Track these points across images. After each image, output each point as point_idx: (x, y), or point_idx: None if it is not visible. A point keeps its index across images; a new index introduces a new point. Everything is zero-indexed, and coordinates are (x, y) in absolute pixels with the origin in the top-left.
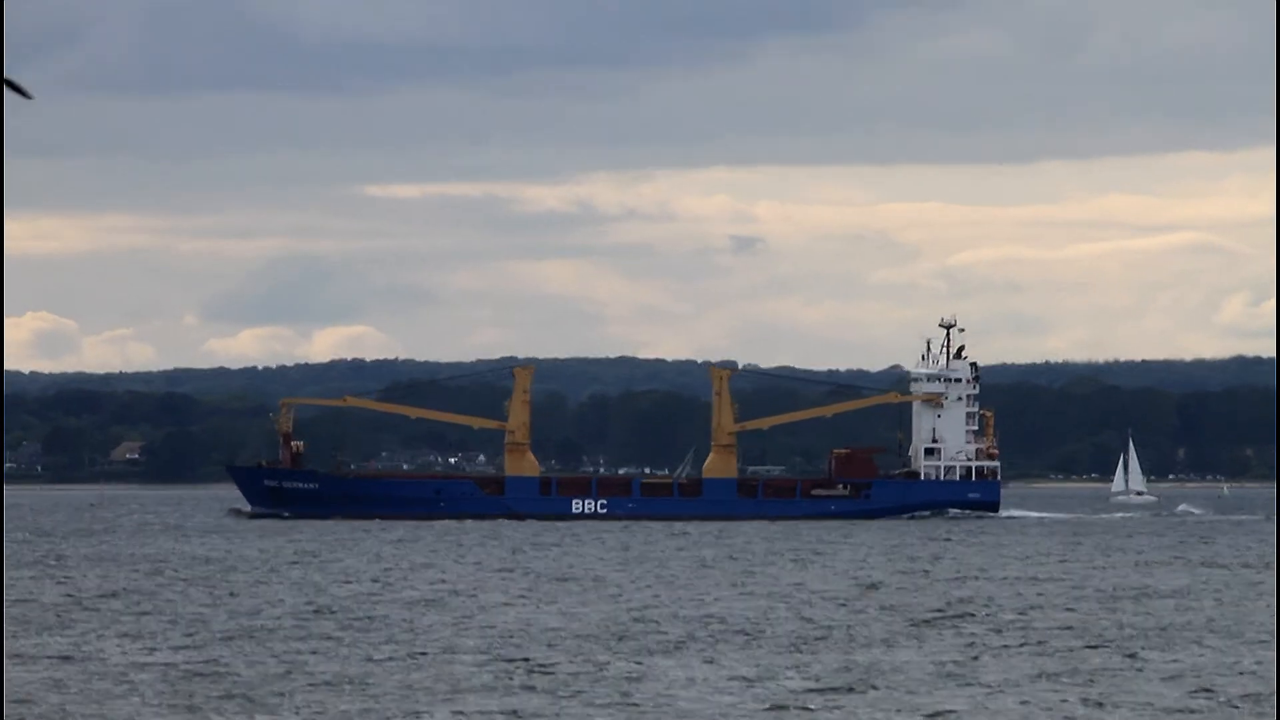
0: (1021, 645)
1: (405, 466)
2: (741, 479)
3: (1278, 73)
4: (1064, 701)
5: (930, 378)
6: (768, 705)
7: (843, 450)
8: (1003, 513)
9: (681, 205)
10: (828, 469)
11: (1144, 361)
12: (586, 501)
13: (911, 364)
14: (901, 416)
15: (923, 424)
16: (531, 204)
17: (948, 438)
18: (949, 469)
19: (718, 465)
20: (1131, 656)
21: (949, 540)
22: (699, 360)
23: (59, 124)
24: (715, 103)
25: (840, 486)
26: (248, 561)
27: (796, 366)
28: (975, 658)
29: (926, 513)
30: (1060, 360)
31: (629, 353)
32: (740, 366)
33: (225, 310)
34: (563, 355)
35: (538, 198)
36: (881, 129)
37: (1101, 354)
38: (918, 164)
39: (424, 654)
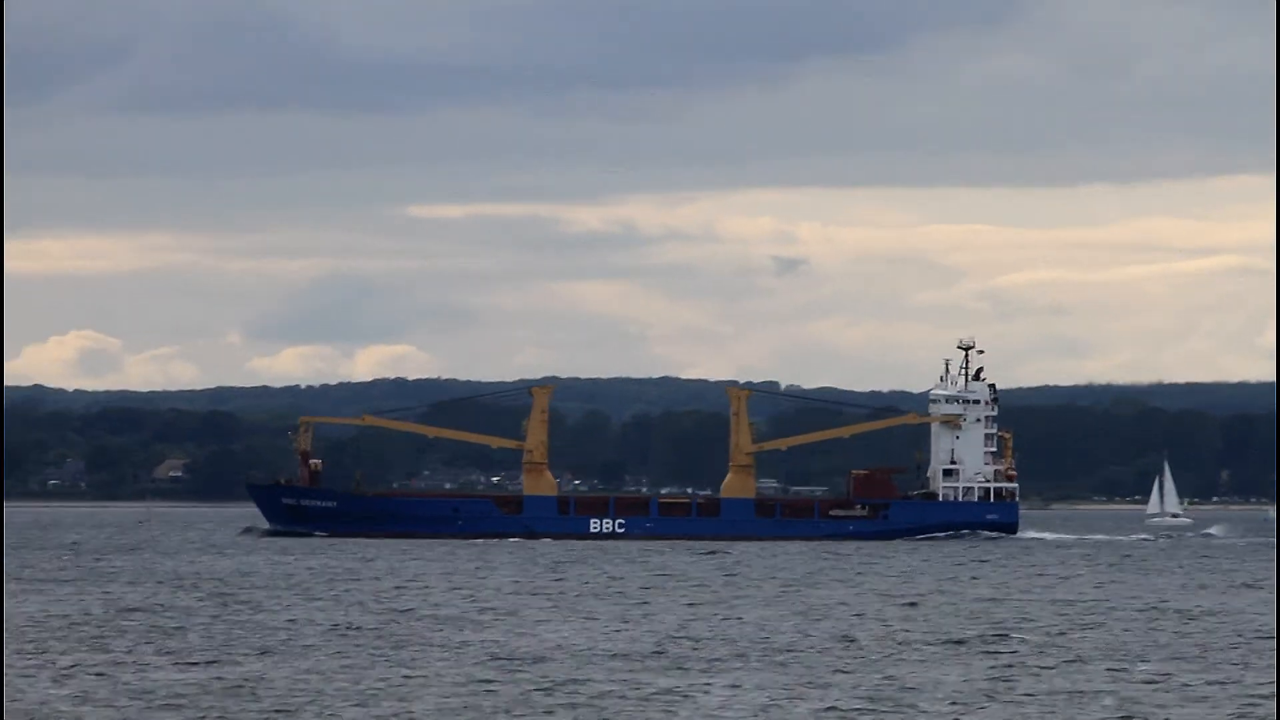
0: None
1: (447, 485)
2: (759, 499)
3: (1278, 86)
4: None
5: (949, 399)
6: None
7: (861, 471)
8: (1021, 534)
9: (724, 226)
10: (846, 490)
11: (1188, 384)
12: (604, 521)
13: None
14: (921, 438)
15: (941, 445)
16: (574, 224)
17: (966, 459)
18: (967, 490)
19: (736, 485)
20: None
21: (961, 564)
22: (740, 381)
23: (104, 143)
24: (758, 124)
25: (859, 507)
26: (272, 579)
27: (839, 387)
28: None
29: (944, 534)
30: (1104, 382)
31: (671, 373)
32: (783, 387)
33: (268, 329)
34: (605, 375)
35: (581, 218)
36: (925, 151)
37: (1145, 376)
38: (961, 186)
39: (459, 672)
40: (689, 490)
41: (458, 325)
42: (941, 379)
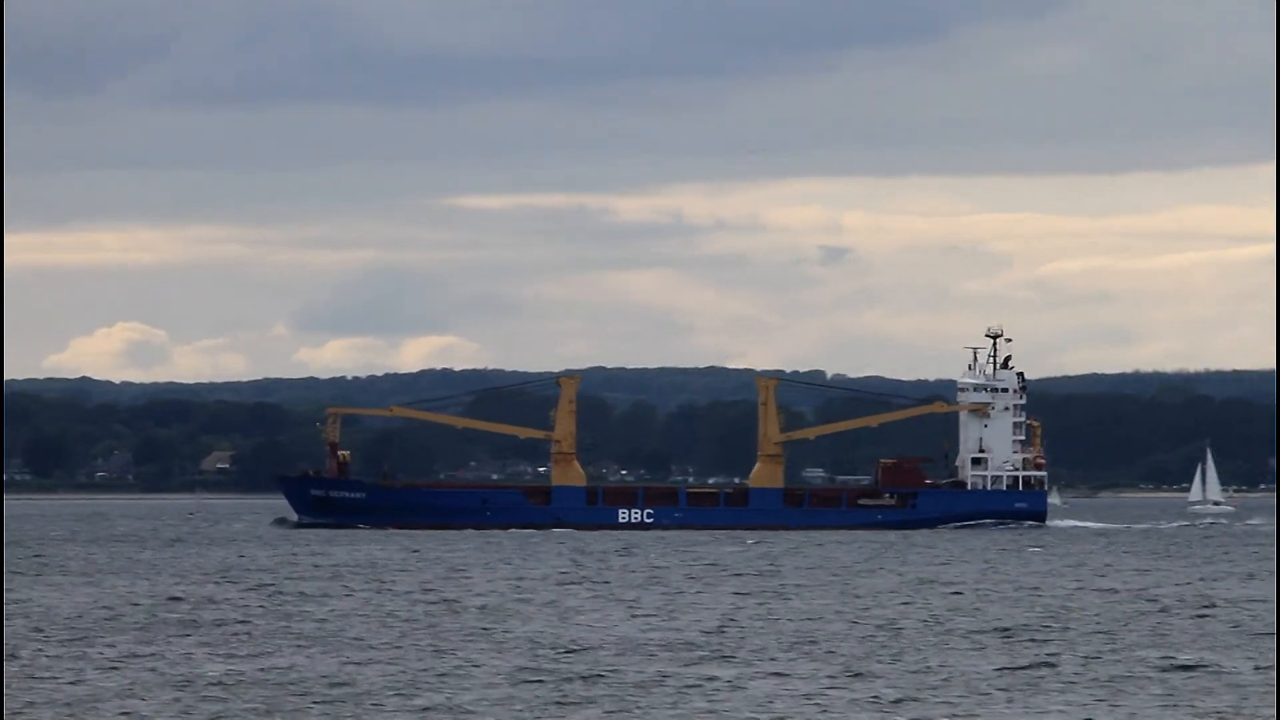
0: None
1: (494, 476)
2: (788, 488)
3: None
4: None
5: (977, 387)
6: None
7: (889, 460)
8: (1050, 522)
9: (771, 216)
10: (874, 478)
11: (1235, 371)
12: (633, 511)
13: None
14: (948, 426)
15: (969, 434)
16: (621, 215)
17: (994, 447)
18: (995, 479)
19: (764, 475)
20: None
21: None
22: (787, 370)
23: (150, 136)
24: (805, 114)
25: (887, 496)
26: (307, 570)
27: (886, 376)
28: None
29: (972, 522)
30: (1150, 370)
31: (718, 363)
32: (829, 376)
33: (315, 320)
34: (651, 365)
35: (628, 209)
36: (971, 140)
37: (1192, 364)
38: (1007, 175)
39: (503, 661)
40: (734, 480)
41: (504, 316)
42: (969, 367)
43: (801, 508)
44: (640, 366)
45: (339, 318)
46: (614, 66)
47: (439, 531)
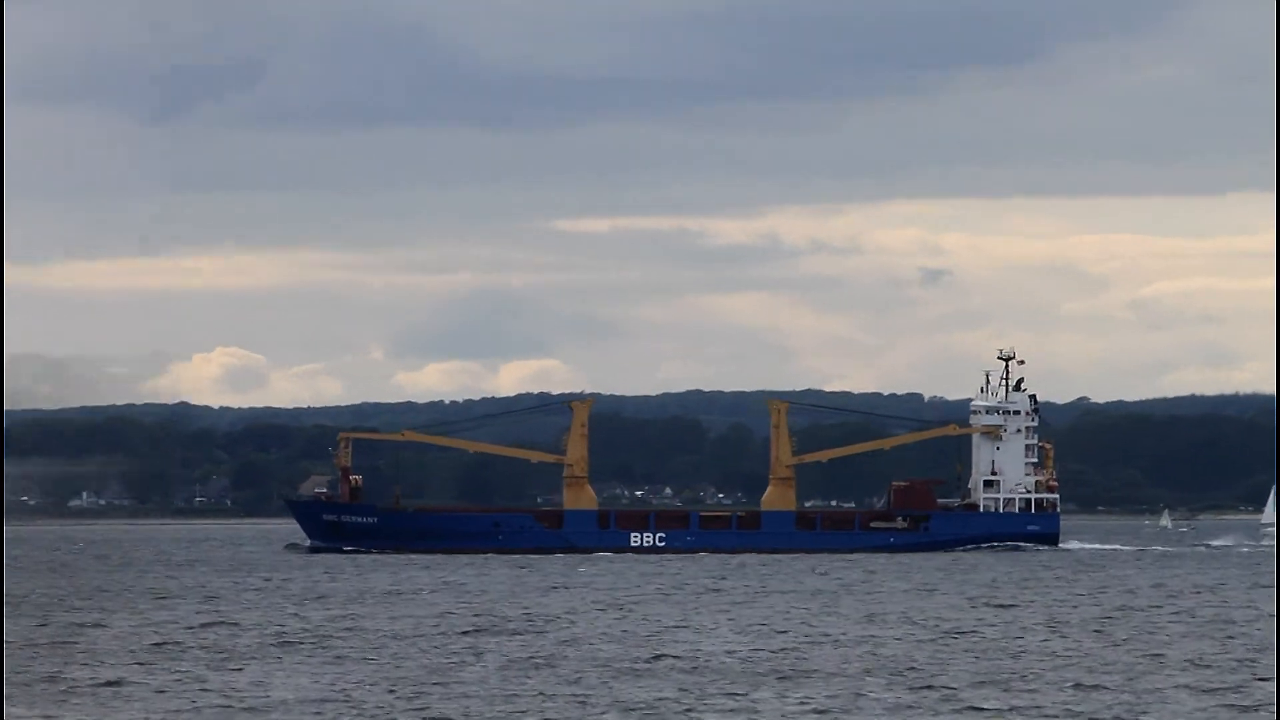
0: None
1: (538, 501)
2: (800, 511)
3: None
4: None
5: (989, 410)
6: None
7: (902, 482)
8: (1062, 545)
9: (870, 238)
10: (887, 501)
11: None
12: (645, 535)
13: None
14: (961, 449)
15: (982, 457)
16: (720, 237)
17: (1007, 470)
18: (1008, 501)
19: (776, 498)
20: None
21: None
22: (884, 393)
23: (248, 159)
24: (904, 135)
25: (899, 520)
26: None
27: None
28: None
29: (985, 545)
30: (1250, 391)
31: (815, 385)
32: (926, 399)
33: (413, 344)
34: (749, 388)
35: (726, 231)
36: (1071, 160)
37: None
38: (1108, 195)
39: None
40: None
41: (602, 339)
42: (982, 390)
43: (814, 531)
44: (738, 390)
45: (437, 341)
46: (714, 88)
47: (452, 555)
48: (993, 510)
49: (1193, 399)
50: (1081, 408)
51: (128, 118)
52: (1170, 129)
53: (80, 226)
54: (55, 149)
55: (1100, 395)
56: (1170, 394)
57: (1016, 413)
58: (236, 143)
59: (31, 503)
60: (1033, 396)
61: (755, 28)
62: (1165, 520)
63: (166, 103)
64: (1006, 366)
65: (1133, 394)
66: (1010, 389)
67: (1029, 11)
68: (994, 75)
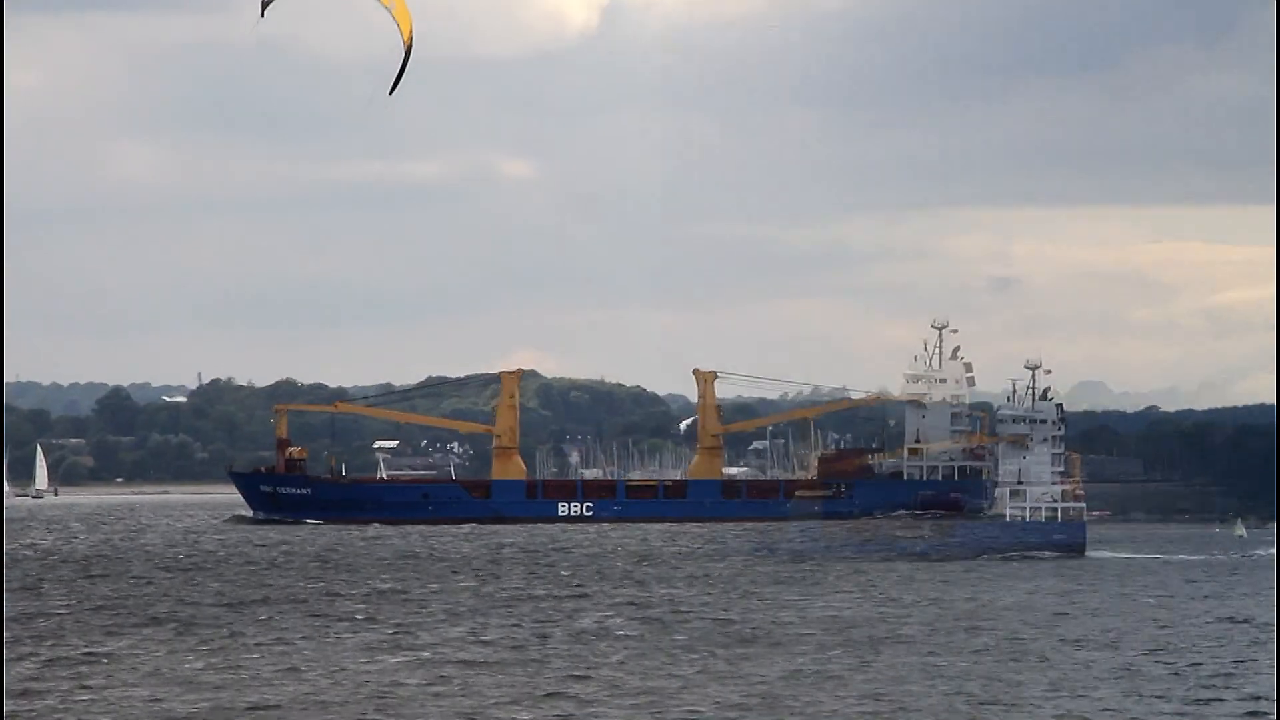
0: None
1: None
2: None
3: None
4: None
5: (1016, 419)
6: None
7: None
8: (1090, 554)
9: (939, 245)
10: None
11: None
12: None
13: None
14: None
15: (1008, 465)
16: (789, 243)
17: (1032, 479)
18: (1034, 510)
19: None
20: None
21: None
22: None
23: None
24: (974, 142)
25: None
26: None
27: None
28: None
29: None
30: None
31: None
32: (996, 406)
33: None
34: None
35: (795, 238)
36: (1140, 168)
37: None
38: (1177, 204)
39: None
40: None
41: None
42: (1009, 399)
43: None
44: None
45: None
46: (784, 96)
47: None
48: (1019, 519)
49: (1261, 408)
50: (1151, 417)
51: None
52: (1240, 137)
53: None
54: None
55: (1170, 404)
56: (1238, 403)
57: (1043, 422)
58: None
59: None
60: (1059, 405)
61: (829, 38)
62: (1240, 529)
63: None
64: (1033, 375)
65: (1199, 403)
66: (1036, 398)
67: (1101, 19)
68: (1065, 83)
